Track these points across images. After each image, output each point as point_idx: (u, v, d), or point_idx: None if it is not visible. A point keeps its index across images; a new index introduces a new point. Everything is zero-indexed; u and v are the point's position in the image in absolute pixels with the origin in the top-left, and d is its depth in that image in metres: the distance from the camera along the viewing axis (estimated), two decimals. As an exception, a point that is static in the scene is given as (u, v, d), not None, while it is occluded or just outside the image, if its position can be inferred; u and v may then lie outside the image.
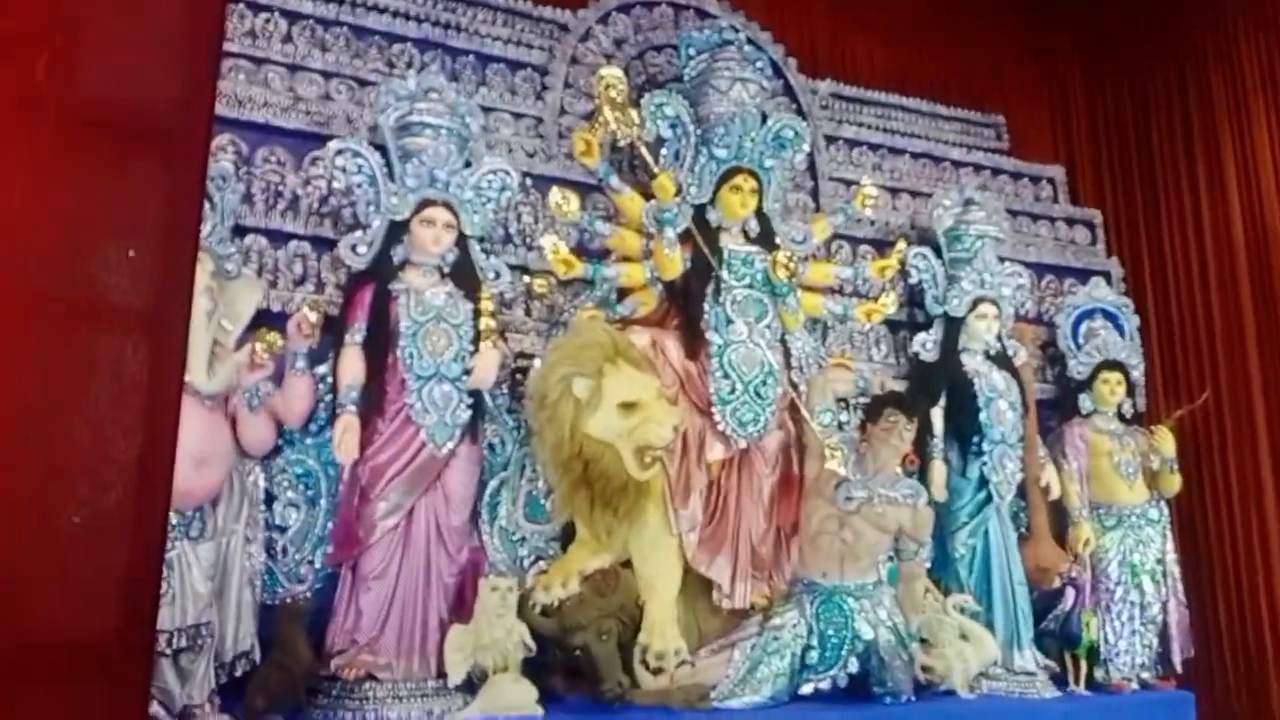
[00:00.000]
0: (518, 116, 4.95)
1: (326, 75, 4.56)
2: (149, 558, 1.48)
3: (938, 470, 4.90)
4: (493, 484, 4.25)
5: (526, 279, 4.58)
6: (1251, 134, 5.97)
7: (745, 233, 4.68)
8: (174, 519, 3.37)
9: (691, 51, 4.87)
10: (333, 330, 3.97)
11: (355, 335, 3.92)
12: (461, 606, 3.91)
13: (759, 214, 4.68)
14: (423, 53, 4.87)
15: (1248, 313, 5.90)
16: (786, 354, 4.66)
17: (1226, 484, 5.90)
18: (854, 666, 4.17)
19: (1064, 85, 7.14)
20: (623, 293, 4.60)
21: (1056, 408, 5.75)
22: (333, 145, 4.09)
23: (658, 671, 3.97)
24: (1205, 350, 6.09)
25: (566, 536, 4.27)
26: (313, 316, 3.78)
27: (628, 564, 4.16)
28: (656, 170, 4.42)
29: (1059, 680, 4.89)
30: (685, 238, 4.47)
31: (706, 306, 4.47)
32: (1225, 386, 5.95)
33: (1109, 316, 5.78)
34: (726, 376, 4.36)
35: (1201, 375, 6.05)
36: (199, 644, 3.43)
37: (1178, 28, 6.41)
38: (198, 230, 1.65)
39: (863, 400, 4.79)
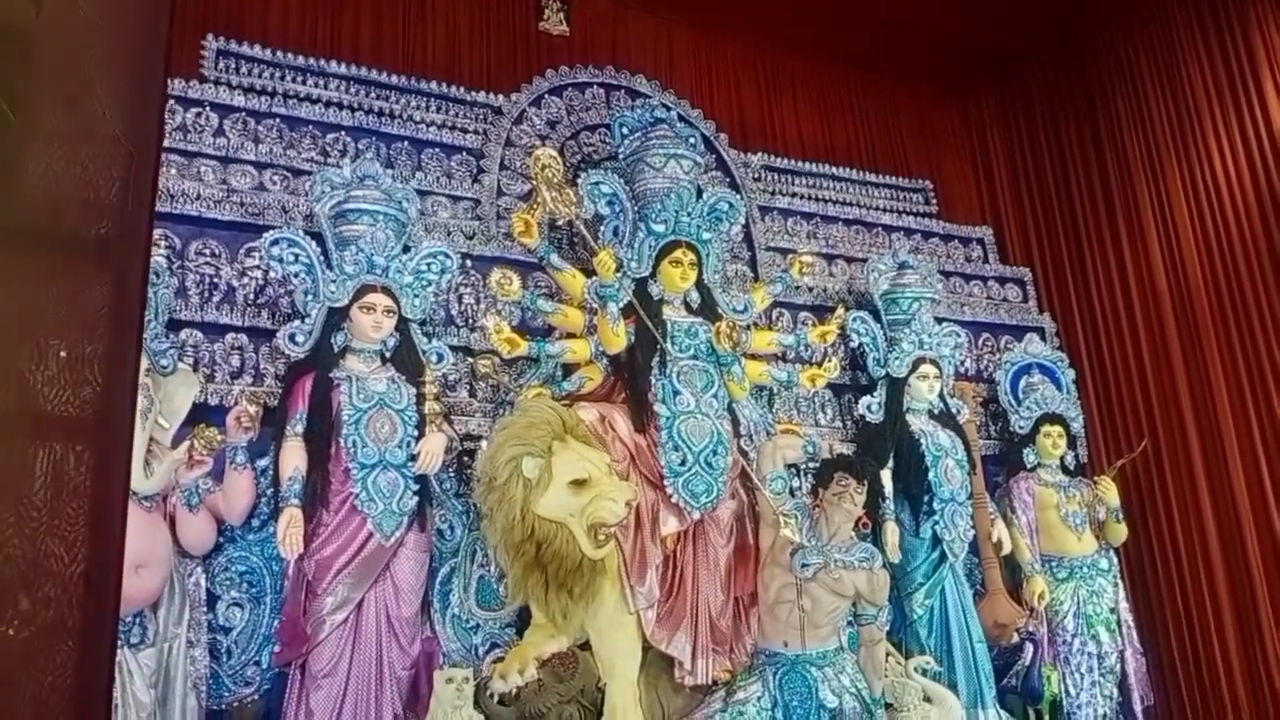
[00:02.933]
0: (455, 199, 4.96)
1: (260, 166, 4.54)
2: (97, 675, 1.40)
3: (891, 531, 4.90)
4: (443, 571, 4.17)
5: (470, 360, 4.56)
6: (1166, 187, 6.20)
7: (687, 304, 4.71)
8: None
9: (625, 130, 4.94)
10: (272, 422, 3.90)
11: (296, 426, 3.85)
12: (416, 700, 3.80)
13: (699, 285, 4.73)
14: (357, 140, 4.88)
15: (1177, 359, 6.05)
16: (735, 422, 4.66)
17: (1171, 529, 5.99)
18: (820, 736, 4.10)
19: (986, 147, 7.38)
20: (568, 369, 4.59)
21: (1001, 463, 5.84)
22: (268, 235, 4.05)
23: (622, 755, 3.87)
24: (1140, 398, 6.22)
25: (522, 621, 4.18)
26: (252, 409, 3.72)
27: (586, 646, 4.08)
28: (596, 247, 4.44)
29: (1024, 737, 4.88)
30: (628, 312, 4.48)
31: (653, 379, 4.46)
32: (1162, 432, 6.08)
33: (1046, 371, 5.91)
34: (677, 448, 4.34)
35: (1139, 423, 6.17)
36: (141, 758, 3.27)
37: (1091, 87, 6.68)
38: (140, 331, 1.60)
39: (812, 465, 4.79)
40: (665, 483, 4.29)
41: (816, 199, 6.31)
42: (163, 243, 4.08)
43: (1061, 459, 5.61)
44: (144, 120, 1.55)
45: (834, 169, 6.54)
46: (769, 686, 4.15)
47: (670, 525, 4.32)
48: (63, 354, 1.39)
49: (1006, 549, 5.24)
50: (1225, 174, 5.86)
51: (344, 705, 3.65)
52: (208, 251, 4.24)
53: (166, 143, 4.35)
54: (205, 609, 3.72)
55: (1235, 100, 5.84)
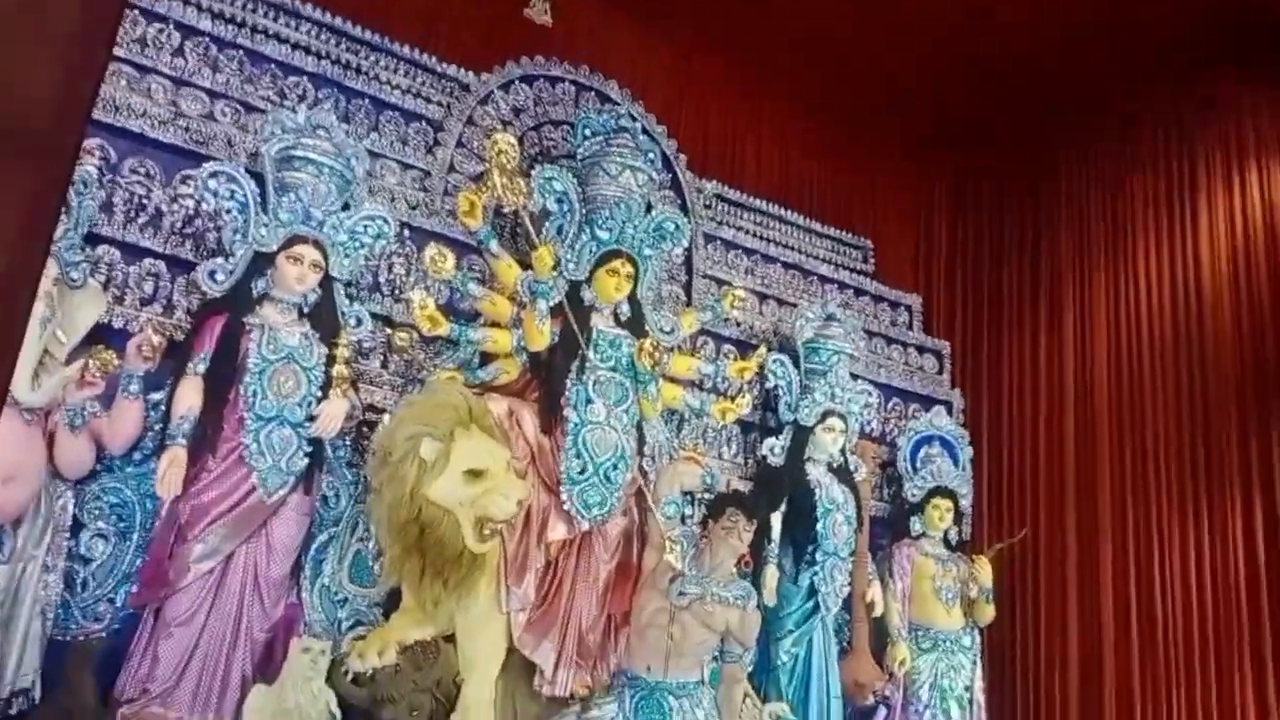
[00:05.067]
0: (405, 167, 4.89)
1: (213, 95, 4.42)
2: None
3: (770, 575, 4.95)
4: (320, 538, 4.10)
5: (389, 331, 4.49)
6: (1091, 293, 6.42)
7: (616, 316, 4.70)
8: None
9: (587, 132, 4.93)
10: (174, 357, 3.78)
11: (198, 365, 3.76)
12: (269, 665, 3.71)
13: (631, 299, 4.73)
14: (317, 88, 4.78)
15: (1069, 457, 6.26)
16: (640, 440, 4.67)
17: (1035, 619, 6.18)
18: (665, 765, 4.11)
19: (930, 219, 7.57)
20: (486, 358, 4.55)
21: (888, 526, 5.95)
22: (208, 166, 3.95)
23: (467, 755, 3.83)
24: (1029, 487, 6.43)
25: (391, 603, 4.12)
26: (156, 339, 3.60)
27: (450, 638, 4.03)
28: (538, 242, 4.41)
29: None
30: (556, 312, 4.46)
31: (569, 383, 4.45)
32: (1044, 525, 6.27)
33: (946, 445, 6.03)
34: (579, 456, 4.34)
35: (1024, 511, 6.37)
36: (-27, 675, 3.14)
37: (1038, 181, 6.90)
38: (50, 237, 1.54)
39: (707, 496, 4.82)
40: (561, 488, 4.29)
41: (761, 237, 6.37)
42: (97, 153, 3.92)
43: (945, 532, 5.74)
44: (98, 24, 1.50)
45: (783, 210, 6.61)
46: (624, 709, 4.15)
47: (558, 532, 4.31)
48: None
49: (878, 611, 5.34)
50: (1149, 294, 6.09)
51: (193, 657, 3.56)
52: (143, 171, 4.10)
53: (123, 53, 4.20)
54: (68, 535, 3.58)
55: (1170, 224, 6.08)
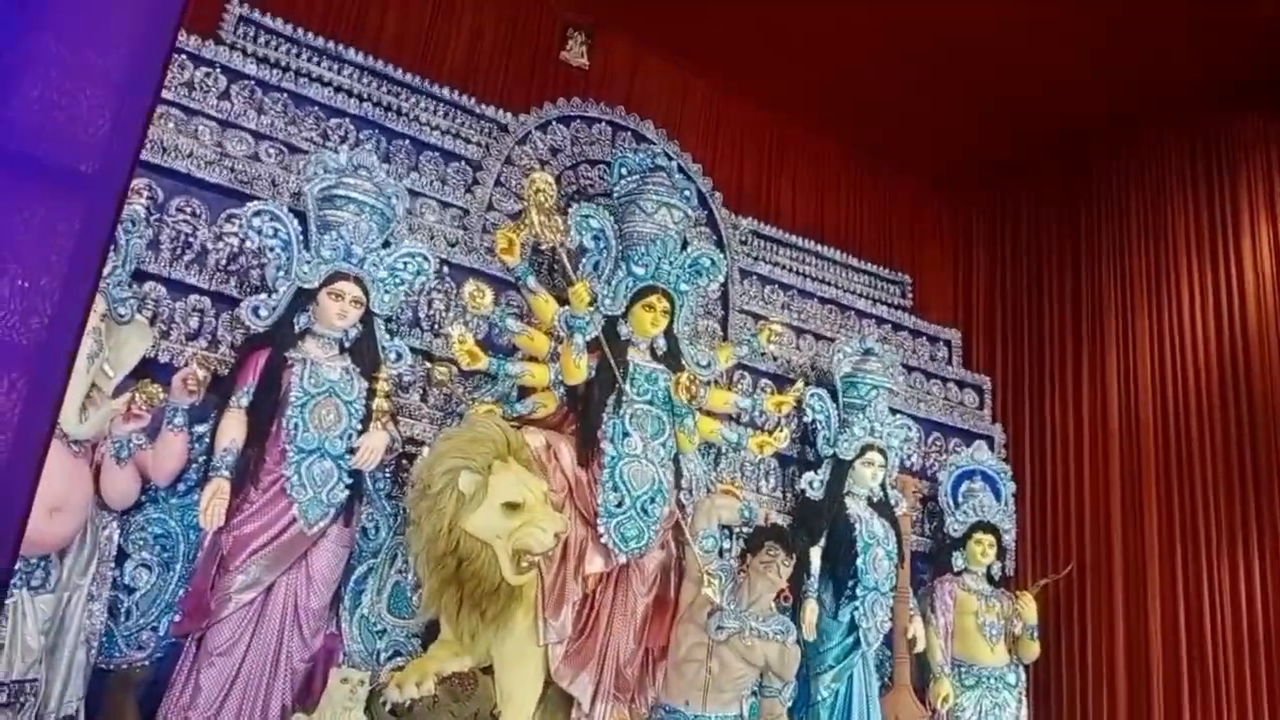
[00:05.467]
0: (445, 205, 4.98)
1: (258, 136, 4.54)
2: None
3: (810, 610, 4.92)
4: (360, 570, 4.13)
5: (428, 365, 4.55)
6: (1134, 326, 6.32)
7: (653, 350, 4.73)
8: (15, 565, 3.17)
9: (624, 171, 4.98)
10: (218, 390, 3.86)
11: (241, 398, 3.82)
12: (308, 695, 3.73)
13: (668, 334, 4.76)
14: (359, 130, 4.90)
15: (1115, 494, 6.14)
16: (677, 474, 4.67)
17: (1082, 657, 6.03)
18: (704, 801, 4.08)
19: (969, 253, 7.53)
20: (524, 391, 4.59)
21: (929, 561, 5.89)
22: (252, 205, 4.04)
23: (504, 787, 3.82)
24: (1074, 524, 6.30)
25: (429, 634, 4.14)
26: (201, 373, 3.68)
27: (488, 670, 4.03)
28: (575, 278, 4.47)
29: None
30: (593, 346, 4.50)
31: (605, 416, 4.48)
32: (1089, 563, 6.14)
33: (988, 479, 5.97)
34: (616, 489, 4.35)
35: (1068, 547, 6.25)
36: (21, 701, 3.19)
37: (1078, 213, 6.84)
38: (99, 274, 1.60)
39: (746, 530, 4.81)
40: (598, 521, 4.29)
41: (797, 272, 6.39)
42: (145, 193, 4.04)
43: (988, 568, 5.67)
44: (147, 69, 1.56)
45: (819, 247, 6.63)
46: (662, 743, 4.13)
47: (595, 565, 4.31)
48: (23, 282, 1.39)
49: (920, 647, 5.27)
50: (1193, 326, 5.98)
51: (233, 687, 3.58)
52: (188, 210, 4.21)
53: (171, 96, 4.34)
54: (113, 565, 3.64)
55: (1214, 254, 5.99)
